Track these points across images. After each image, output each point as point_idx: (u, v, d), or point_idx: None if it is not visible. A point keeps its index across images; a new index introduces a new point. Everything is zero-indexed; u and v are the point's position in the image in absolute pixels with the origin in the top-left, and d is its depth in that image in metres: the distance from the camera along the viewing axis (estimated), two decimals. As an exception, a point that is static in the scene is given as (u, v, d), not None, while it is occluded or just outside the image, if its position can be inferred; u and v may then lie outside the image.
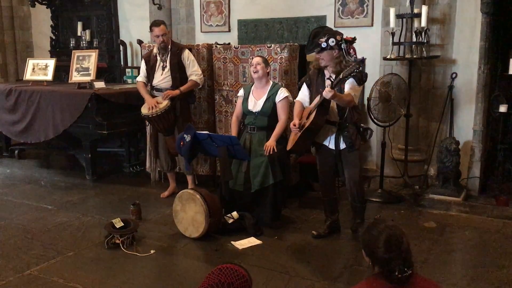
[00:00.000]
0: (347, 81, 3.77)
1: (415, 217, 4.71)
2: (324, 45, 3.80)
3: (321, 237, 4.21)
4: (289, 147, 4.14)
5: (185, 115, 5.16)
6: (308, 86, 4.08)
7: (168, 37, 5.12)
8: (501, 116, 5.07)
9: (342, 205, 4.60)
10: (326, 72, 3.95)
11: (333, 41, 3.78)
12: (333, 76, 3.75)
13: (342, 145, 3.96)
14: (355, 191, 4.08)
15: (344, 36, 3.87)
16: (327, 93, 3.62)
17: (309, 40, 3.96)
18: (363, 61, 3.68)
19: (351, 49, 4.02)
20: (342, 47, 3.81)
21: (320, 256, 3.86)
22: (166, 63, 5.08)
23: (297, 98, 4.19)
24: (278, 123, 4.49)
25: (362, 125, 4.04)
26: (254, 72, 4.53)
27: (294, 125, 3.94)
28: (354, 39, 4.03)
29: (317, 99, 3.87)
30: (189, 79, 5.07)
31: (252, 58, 4.91)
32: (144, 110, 5.08)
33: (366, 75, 3.90)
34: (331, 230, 4.25)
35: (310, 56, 5.73)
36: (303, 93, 4.12)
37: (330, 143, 4.01)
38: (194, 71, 5.07)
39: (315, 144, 4.11)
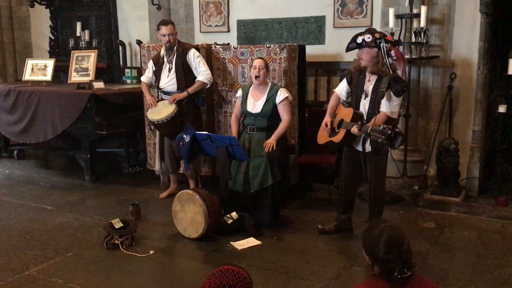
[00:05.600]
0: (385, 96, 3.72)
1: (414, 218, 4.71)
2: (359, 40, 3.73)
3: (325, 233, 4.24)
4: (320, 142, 4.17)
5: (194, 119, 5.01)
6: (349, 83, 4.02)
7: (175, 38, 5.02)
8: (500, 116, 5.07)
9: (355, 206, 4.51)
10: (367, 73, 3.88)
11: (369, 37, 3.70)
12: (372, 78, 3.71)
13: (368, 148, 3.89)
14: (374, 195, 4.03)
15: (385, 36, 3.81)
16: (355, 133, 3.70)
17: (351, 40, 3.89)
18: (390, 136, 3.49)
19: (392, 51, 3.85)
20: (381, 46, 3.71)
21: (319, 257, 3.86)
22: (172, 64, 5.00)
23: (335, 90, 4.15)
24: (281, 123, 4.48)
25: (396, 130, 3.84)
26: (256, 77, 4.48)
27: (326, 125, 3.99)
28: (397, 41, 3.92)
29: (345, 121, 3.86)
30: (196, 79, 4.97)
31: (252, 58, 4.90)
32: (151, 115, 4.99)
33: (406, 84, 3.88)
34: (338, 229, 4.25)
35: (314, 57, 5.77)
36: (342, 87, 4.07)
37: (358, 144, 3.95)
38: (201, 71, 4.95)
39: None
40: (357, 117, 3.84)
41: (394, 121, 3.87)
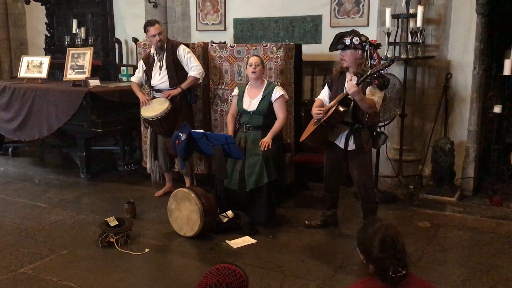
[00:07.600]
0: (369, 87, 3.78)
1: (410, 217, 4.72)
2: (348, 42, 3.82)
3: (312, 227, 4.35)
4: (302, 139, 4.18)
5: (186, 115, 5.04)
6: (329, 87, 4.11)
7: (164, 36, 5.05)
8: (495, 117, 5.09)
9: (341, 202, 4.60)
10: (348, 74, 3.96)
11: (357, 40, 3.81)
12: (354, 78, 3.75)
13: (351, 146, 3.97)
14: (364, 193, 4.10)
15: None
16: (350, 87, 3.65)
17: (334, 39, 3.95)
18: (393, 60, 3.63)
19: (375, 54, 3.98)
20: (366, 48, 3.83)
21: (314, 255, 3.86)
22: (162, 62, 5.00)
23: (318, 97, 4.23)
24: (277, 121, 4.49)
25: (378, 130, 4.04)
26: (253, 73, 4.50)
27: (319, 110, 3.95)
28: (379, 45, 4.03)
29: (338, 97, 3.89)
30: (189, 75, 4.97)
31: (248, 57, 4.90)
32: (145, 113, 4.97)
33: (388, 80, 3.91)
34: (324, 224, 4.36)
35: (310, 56, 5.78)
36: (324, 93, 4.17)
37: (340, 142, 4.02)
38: (192, 66, 4.95)
39: (326, 141, 4.12)
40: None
41: (377, 117, 4.00)
